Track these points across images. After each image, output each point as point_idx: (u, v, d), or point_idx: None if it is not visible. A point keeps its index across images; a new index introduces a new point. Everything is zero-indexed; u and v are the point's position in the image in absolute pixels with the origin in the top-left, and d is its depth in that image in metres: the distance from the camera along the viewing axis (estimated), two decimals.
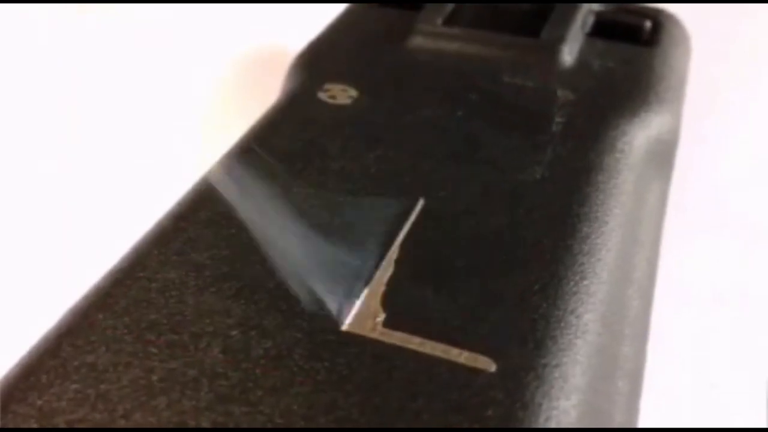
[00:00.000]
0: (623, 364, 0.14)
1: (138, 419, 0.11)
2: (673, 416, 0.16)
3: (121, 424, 0.11)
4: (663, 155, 0.19)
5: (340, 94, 0.19)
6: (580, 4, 0.22)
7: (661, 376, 0.16)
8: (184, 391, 0.12)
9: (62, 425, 0.11)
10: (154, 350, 0.12)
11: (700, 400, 0.17)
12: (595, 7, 0.23)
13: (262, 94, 0.21)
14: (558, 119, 0.18)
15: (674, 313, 0.18)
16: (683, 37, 0.23)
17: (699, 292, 0.19)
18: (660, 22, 0.23)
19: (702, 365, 0.17)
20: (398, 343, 0.13)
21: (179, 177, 0.17)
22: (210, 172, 0.17)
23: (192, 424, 0.11)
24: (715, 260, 0.20)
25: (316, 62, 0.21)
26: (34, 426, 0.11)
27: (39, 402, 0.12)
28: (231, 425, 0.11)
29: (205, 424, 0.11)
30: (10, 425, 0.11)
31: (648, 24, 0.22)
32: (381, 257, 0.14)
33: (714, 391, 0.17)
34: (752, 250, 0.20)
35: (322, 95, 0.19)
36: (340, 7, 0.24)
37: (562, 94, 0.19)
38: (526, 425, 0.11)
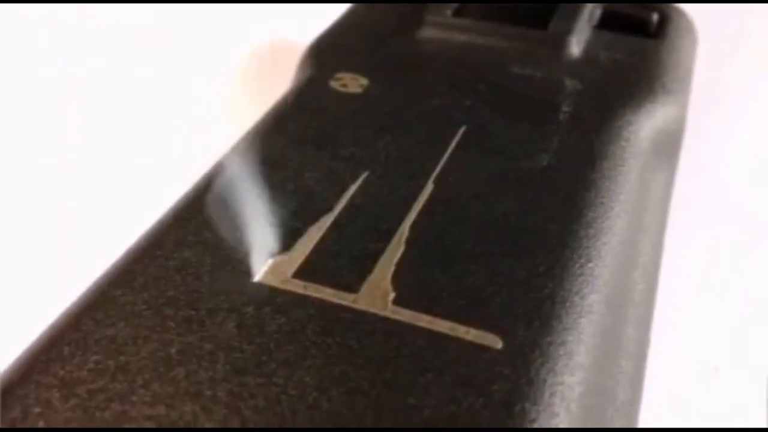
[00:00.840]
0: (627, 344, 0.15)
1: (156, 389, 0.12)
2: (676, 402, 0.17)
3: (141, 393, 0.12)
4: (668, 145, 0.20)
5: (351, 83, 0.19)
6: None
7: (665, 362, 0.17)
8: (200, 363, 0.12)
9: (83, 394, 0.12)
10: (171, 324, 0.13)
11: (703, 385, 0.17)
12: None
13: (275, 84, 0.21)
14: (565, 109, 0.19)
15: (678, 303, 0.18)
16: (690, 30, 0.23)
17: (703, 283, 0.19)
18: (667, 14, 0.23)
19: (705, 353, 0.18)
20: (407, 320, 0.13)
21: (194, 163, 0.17)
22: (225, 156, 0.17)
23: (209, 394, 0.12)
24: (719, 252, 0.20)
25: (328, 52, 0.21)
26: (56, 395, 0.12)
27: (61, 372, 0.12)
28: (246, 395, 0.12)
29: (221, 394, 0.12)
30: (34, 394, 0.12)
31: (655, 16, 0.23)
32: (391, 238, 0.15)
33: (717, 376, 0.17)
34: (756, 242, 0.21)
35: (334, 84, 0.19)
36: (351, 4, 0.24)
37: (570, 84, 0.20)
38: (531, 400, 0.12)
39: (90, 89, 0.27)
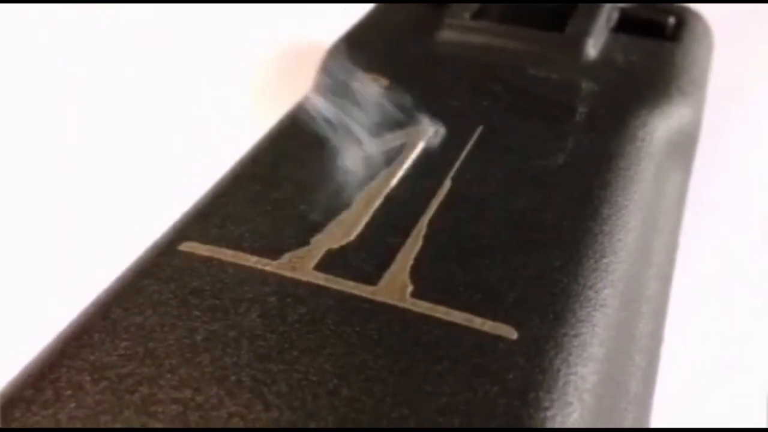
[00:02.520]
0: (640, 339, 0.15)
1: (183, 374, 0.12)
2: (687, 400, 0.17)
3: (168, 377, 0.12)
4: (683, 146, 0.20)
5: (371, 83, 0.20)
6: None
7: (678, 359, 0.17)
8: (225, 350, 0.13)
9: (113, 378, 0.12)
10: (197, 313, 0.13)
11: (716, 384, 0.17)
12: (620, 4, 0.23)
13: (296, 85, 0.22)
14: (581, 109, 0.19)
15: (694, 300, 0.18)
16: (706, 33, 0.23)
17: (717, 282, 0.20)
18: (683, 18, 0.23)
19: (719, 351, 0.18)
20: (425, 311, 0.13)
21: (214, 162, 0.18)
22: (247, 154, 0.17)
23: (233, 379, 0.12)
24: (733, 251, 0.21)
25: (349, 53, 0.21)
26: (87, 379, 0.12)
27: (92, 357, 0.12)
28: (268, 381, 0.12)
29: (245, 380, 0.12)
30: (66, 377, 0.12)
31: (671, 20, 0.23)
32: (410, 233, 0.15)
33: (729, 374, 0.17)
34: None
35: (355, 84, 0.20)
36: (371, 5, 0.25)
37: (586, 85, 0.20)
38: (545, 389, 0.12)
39: (91, 90, 0.27)
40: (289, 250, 0.15)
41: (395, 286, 0.14)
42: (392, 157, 0.17)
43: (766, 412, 0.17)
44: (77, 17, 0.31)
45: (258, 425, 0.11)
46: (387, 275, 0.14)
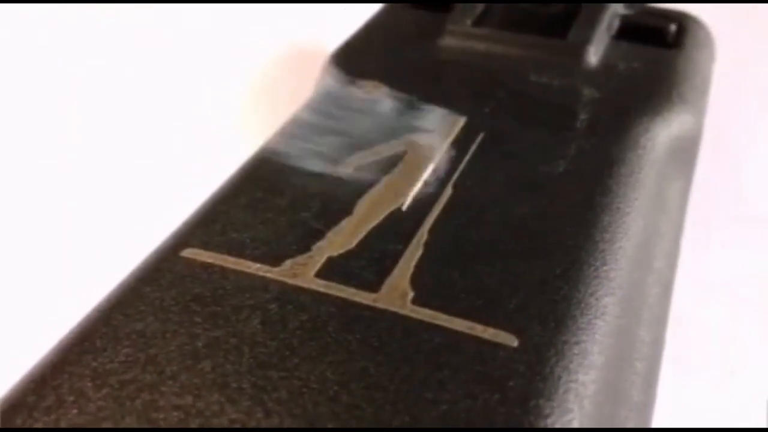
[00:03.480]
0: (641, 346, 0.15)
1: (184, 380, 0.12)
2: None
3: (169, 384, 0.12)
4: (685, 153, 0.20)
5: (372, 91, 0.20)
6: (606, 8, 0.23)
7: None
8: (226, 357, 0.13)
9: (115, 384, 0.12)
10: (198, 320, 0.13)
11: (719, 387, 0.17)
12: (621, 9, 0.23)
13: (297, 91, 0.22)
14: (582, 116, 0.19)
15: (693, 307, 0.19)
16: (707, 40, 0.23)
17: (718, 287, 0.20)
18: (685, 25, 0.23)
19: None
20: (426, 319, 0.13)
21: (215, 168, 0.18)
22: (248, 160, 0.17)
23: (234, 386, 0.12)
24: (734, 257, 0.21)
25: (351, 59, 0.21)
26: (89, 385, 0.12)
27: (93, 363, 0.12)
28: (269, 388, 0.12)
29: (246, 387, 0.12)
30: (67, 384, 0.12)
31: (672, 27, 0.23)
32: (410, 240, 0.15)
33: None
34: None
35: (356, 91, 0.20)
36: (374, 8, 0.25)
37: (587, 92, 0.20)
38: (545, 396, 0.12)
39: (91, 92, 0.27)
40: (290, 257, 0.15)
41: (396, 293, 0.14)
42: (393, 164, 0.17)
43: (767, 414, 0.17)
44: (77, 17, 0.31)
45: None
46: (388, 282, 0.14)
